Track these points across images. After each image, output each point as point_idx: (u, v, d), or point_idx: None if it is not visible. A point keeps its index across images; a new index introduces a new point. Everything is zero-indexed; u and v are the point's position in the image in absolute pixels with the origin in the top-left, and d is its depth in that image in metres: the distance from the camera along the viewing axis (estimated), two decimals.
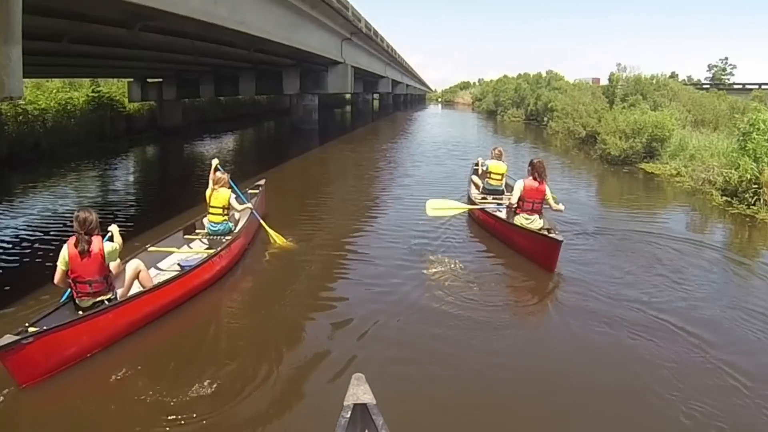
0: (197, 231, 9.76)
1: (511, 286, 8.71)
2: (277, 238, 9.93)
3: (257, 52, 24.98)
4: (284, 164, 21.85)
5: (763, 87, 65.31)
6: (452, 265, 9.22)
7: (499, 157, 13.01)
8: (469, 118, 62.12)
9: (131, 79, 33.58)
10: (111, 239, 6.76)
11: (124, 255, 7.16)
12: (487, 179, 13.07)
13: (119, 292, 6.64)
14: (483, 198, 12.78)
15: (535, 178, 9.64)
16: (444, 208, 10.95)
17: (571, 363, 6.24)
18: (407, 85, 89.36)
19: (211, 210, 9.40)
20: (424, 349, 6.41)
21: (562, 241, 8.58)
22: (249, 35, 18.27)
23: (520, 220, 9.75)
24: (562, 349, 6.56)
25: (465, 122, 55.18)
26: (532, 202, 9.67)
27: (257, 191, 12.25)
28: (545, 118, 43.52)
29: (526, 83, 56.89)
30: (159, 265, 8.55)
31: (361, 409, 3.95)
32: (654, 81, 29.07)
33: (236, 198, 9.77)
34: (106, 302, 6.34)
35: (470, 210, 11.59)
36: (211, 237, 9.40)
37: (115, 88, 34.15)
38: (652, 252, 10.04)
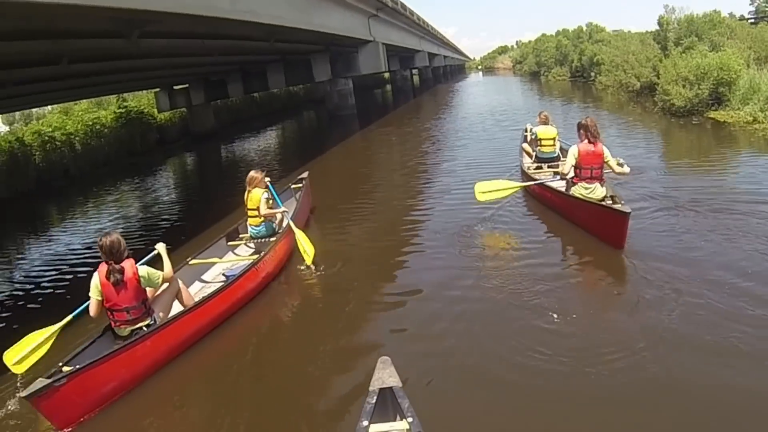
0: (240, 236, 9.33)
1: (571, 266, 7.75)
2: (307, 254, 8.50)
3: (278, 42, 23.61)
4: (324, 156, 20.64)
5: None
6: (507, 245, 8.71)
7: (546, 122, 11.92)
8: (512, 83, 60.05)
9: (158, 89, 32.82)
10: (152, 261, 6.52)
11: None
12: (538, 147, 11.97)
13: (159, 315, 6.24)
14: (537, 167, 11.82)
15: (589, 141, 8.48)
16: (495, 190, 9.84)
17: (641, 354, 5.17)
18: (445, 57, 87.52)
19: (249, 213, 8.99)
20: (467, 335, 6.00)
21: (629, 212, 7.43)
22: (261, 24, 16.78)
23: (579, 190, 8.60)
24: (630, 338, 5.46)
25: (508, 87, 53.16)
26: (590, 169, 8.50)
27: (300, 185, 11.56)
28: (592, 74, 41.47)
29: (567, 39, 54.36)
30: (204, 277, 8.19)
31: (387, 392, 3.92)
32: (708, 20, 26.56)
33: (271, 201, 9.23)
34: (144, 329, 5.93)
35: (524, 187, 10.51)
36: (255, 240, 9.02)
37: (145, 100, 33.46)
38: (739, 218, 8.40)
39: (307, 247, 8.40)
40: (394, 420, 3.86)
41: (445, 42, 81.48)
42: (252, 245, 9.06)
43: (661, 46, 27.68)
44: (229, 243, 9.08)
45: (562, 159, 11.46)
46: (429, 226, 10.18)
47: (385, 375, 4.05)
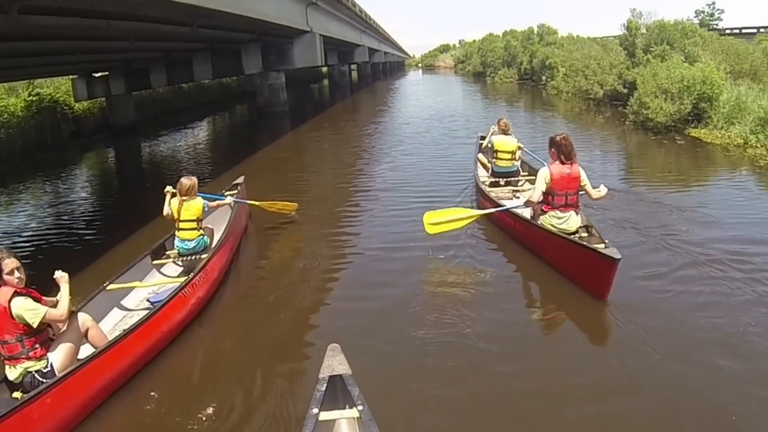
0: (167, 253, 8.13)
1: (536, 313, 6.86)
2: (282, 207, 9.07)
3: (203, 28, 20.56)
4: (252, 158, 18.07)
5: (762, 30, 59.23)
6: (460, 280, 7.45)
7: (505, 131, 10.73)
8: (455, 83, 57.65)
9: (75, 76, 29.06)
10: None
11: (77, 300, 5.86)
12: (494, 159, 10.80)
13: (58, 361, 5.06)
14: (493, 183, 10.77)
15: (563, 162, 7.35)
16: (448, 220, 8.49)
17: None
18: (385, 53, 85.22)
19: (181, 225, 7.82)
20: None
21: (619, 259, 6.22)
22: (178, 4, 14.41)
23: (549, 220, 7.49)
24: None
25: (452, 88, 50.44)
26: (565, 195, 7.38)
27: (235, 191, 10.37)
28: (543, 77, 39.51)
29: (516, 40, 52.25)
30: (124, 303, 7.11)
31: (337, 380, 3.95)
32: (680, 28, 24.23)
33: (208, 206, 8.04)
34: (36, 375, 4.90)
35: (482, 216, 9.03)
36: (185, 258, 7.89)
37: (65, 88, 29.42)
38: (750, 268, 7.05)
39: (272, 206, 9.03)
40: (344, 408, 3.86)
41: (386, 37, 79.03)
42: (181, 263, 7.96)
43: (627, 53, 25.32)
44: (155, 262, 7.93)
45: (522, 174, 10.80)
46: (368, 258, 8.65)
47: (335, 362, 4.06)
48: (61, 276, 5.41)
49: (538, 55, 41.57)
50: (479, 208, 9.58)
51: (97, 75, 29.08)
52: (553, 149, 7.46)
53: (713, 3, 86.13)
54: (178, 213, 7.76)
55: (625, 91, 23.91)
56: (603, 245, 6.65)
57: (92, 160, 22.71)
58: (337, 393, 3.93)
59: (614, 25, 51.83)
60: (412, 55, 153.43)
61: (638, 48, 24.65)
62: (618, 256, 6.20)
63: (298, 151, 19.76)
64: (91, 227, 11.99)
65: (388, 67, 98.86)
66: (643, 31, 25.45)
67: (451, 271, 7.71)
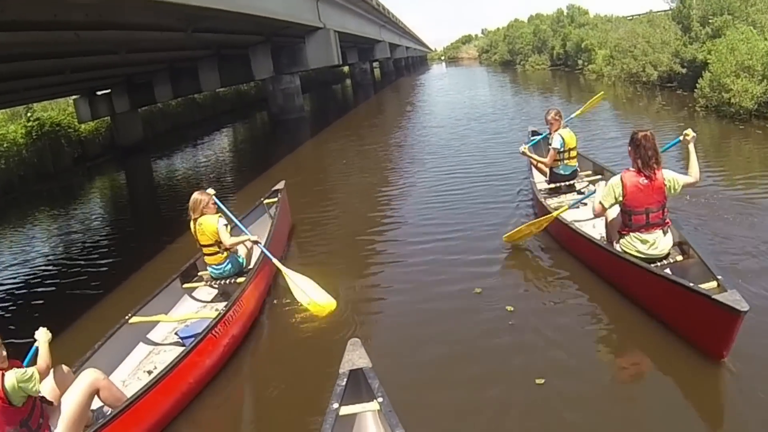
0: (199, 274, 7.27)
1: (615, 359, 5.32)
2: (317, 306, 5.96)
3: (201, 32, 18.25)
4: (268, 172, 15.90)
5: None
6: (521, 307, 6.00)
7: (556, 122, 8.92)
8: (482, 74, 54.48)
9: (77, 96, 27.14)
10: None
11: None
12: (564, 160, 8.90)
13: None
14: (553, 188, 9.16)
15: (640, 170, 5.63)
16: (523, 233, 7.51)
17: None
18: (407, 48, 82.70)
19: (204, 250, 6.95)
20: None
21: (744, 311, 4.31)
22: (162, 3, 12.52)
23: (631, 245, 5.80)
24: None
25: (481, 79, 47.25)
26: (645, 212, 5.67)
27: (275, 200, 9.52)
28: (579, 61, 36.45)
29: (545, 24, 49.21)
30: (150, 337, 6.26)
31: (357, 374, 3.96)
32: None
33: (230, 227, 6.99)
34: None
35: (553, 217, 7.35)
36: (220, 282, 6.97)
37: (71, 109, 27.50)
38: None
39: (314, 295, 5.96)
40: (365, 401, 3.84)
41: (406, 31, 76.76)
42: (215, 286, 7.20)
43: (682, 27, 22.25)
44: (185, 285, 7.12)
45: (580, 173, 9.14)
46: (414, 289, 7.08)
47: (355, 357, 4.06)
48: (43, 335, 4.49)
49: (571, 38, 38.53)
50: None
51: (99, 93, 27.20)
52: (631, 148, 5.75)
53: None
54: (195, 234, 6.96)
55: (684, 71, 20.94)
56: (715, 283, 4.88)
57: (99, 185, 20.89)
58: (358, 387, 3.90)
59: (645, 3, 48.18)
60: (433, 49, 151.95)
61: (694, 21, 21.59)
62: (744, 307, 4.36)
63: (316, 169, 16.81)
64: (109, 257, 10.88)
65: (410, 62, 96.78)
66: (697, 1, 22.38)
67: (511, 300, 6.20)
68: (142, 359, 5.97)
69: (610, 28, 37.66)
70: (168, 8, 13.14)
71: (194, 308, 7.04)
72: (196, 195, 6.93)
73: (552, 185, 9.07)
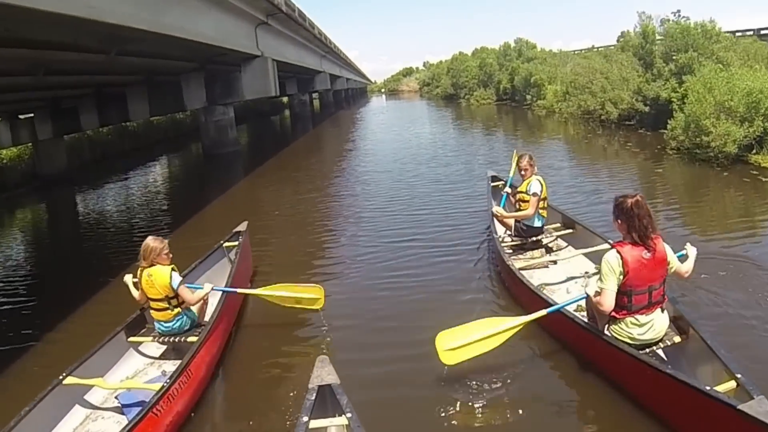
0: (147, 326, 6.51)
1: None
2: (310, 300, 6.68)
3: (123, 55, 16.19)
4: (201, 214, 14.44)
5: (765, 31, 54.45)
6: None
7: (531, 168, 8.07)
8: (425, 109, 53.14)
9: None
10: None
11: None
12: (519, 209, 8.09)
13: None
14: (519, 246, 8.12)
15: (637, 242, 4.83)
16: (472, 342, 5.42)
17: None
18: (347, 79, 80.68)
19: (152, 304, 6.17)
20: None
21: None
22: (80, 20, 10.67)
23: (625, 331, 4.97)
24: None
25: (424, 115, 45.74)
26: (648, 290, 4.83)
27: (236, 243, 8.52)
28: (528, 96, 35.45)
29: (491, 58, 48.26)
30: (88, 398, 5.52)
31: (324, 390, 4.09)
32: (703, 30, 20.00)
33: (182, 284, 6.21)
34: None
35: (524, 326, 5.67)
36: (168, 338, 6.20)
37: None
38: None
39: (299, 292, 6.74)
40: (334, 416, 3.95)
41: (347, 62, 75.03)
42: (163, 342, 6.28)
43: (643, 64, 21.12)
44: (131, 339, 6.30)
45: (545, 226, 8.20)
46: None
47: (324, 373, 4.21)
48: None
49: (519, 72, 37.70)
50: (504, 284, 7.47)
51: (22, 117, 24.48)
52: (620, 220, 4.91)
53: (678, 11, 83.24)
54: (144, 286, 6.10)
55: (647, 109, 19.76)
56: (734, 384, 4.21)
57: (19, 219, 18.20)
58: (326, 402, 4.04)
59: (591, 39, 47.85)
60: (373, 81, 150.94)
61: (656, 57, 20.47)
62: (763, 417, 3.68)
63: (248, 211, 14.60)
64: (34, 305, 9.28)
65: (350, 93, 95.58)
66: (661, 37, 21.31)
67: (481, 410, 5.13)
68: (77, 426, 5.27)
69: (559, 62, 36.98)
70: (82, 26, 11.16)
71: (140, 365, 6.29)
72: (149, 241, 6.09)
73: (517, 240, 8.12)
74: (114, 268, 8.91)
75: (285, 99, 62.40)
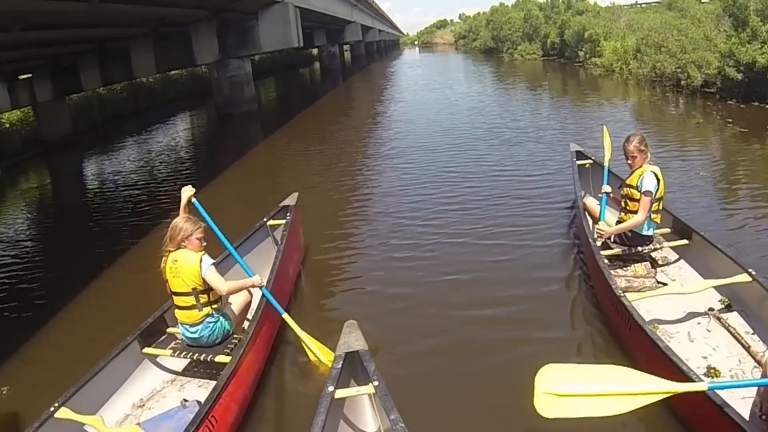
0: (168, 331, 5.39)
1: None
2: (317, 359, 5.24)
3: (110, 2, 13.54)
4: (208, 189, 11.69)
5: None
6: None
7: (642, 154, 5.98)
8: (463, 62, 49.53)
9: None
10: None
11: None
12: (626, 209, 6.14)
13: None
14: (616, 254, 6.13)
15: None
16: (588, 393, 3.62)
17: None
18: (379, 31, 77.23)
19: (175, 300, 4.97)
20: None
21: None
22: None
23: None
24: None
25: (464, 69, 42.03)
26: None
27: (283, 221, 7.19)
28: (580, 53, 31.91)
29: (538, 10, 44.46)
30: None
31: (353, 356, 3.92)
32: None
33: (224, 266, 5.86)
34: None
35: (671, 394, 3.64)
36: (196, 350, 5.00)
37: None
38: None
39: (318, 353, 5.26)
40: (360, 384, 3.83)
41: (380, 13, 71.56)
42: (188, 359, 5.08)
43: (735, 21, 17.63)
44: (146, 350, 5.13)
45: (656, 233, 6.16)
46: None
47: (351, 339, 4.03)
48: None
49: (571, 26, 33.98)
50: (597, 304, 5.82)
51: (22, 77, 21.94)
52: None
53: None
54: (166, 275, 4.89)
55: (740, 77, 16.37)
56: None
57: (19, 191, 15.98)
58: (354, 370, 3.89)
59: None
60: (405, 33, 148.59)
61: (751, 15, 16.92)
62: None
63: (268, 187, 12.32)
64: (29, 301, 7.61)
65: (382, 46, 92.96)
66: None
67: None
68: None
69: (612, 16, 33.51)
70: None
71: (158, 383, 5.09)
72: (179, 221, 4.90)
73: (615, 248, 6.18)
74: (120, 254, 8.29)
75: (315, 51, 59.26)
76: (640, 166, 5.96)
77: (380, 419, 3.77)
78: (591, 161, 8.29)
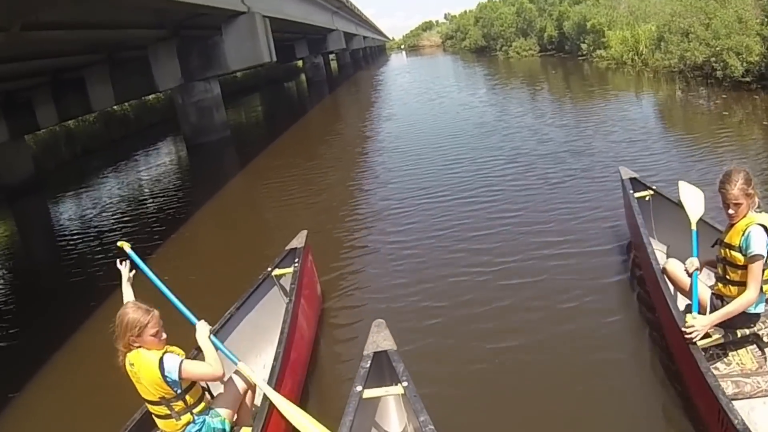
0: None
1: None
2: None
3: (34, 29, 11.81)
4: (178, 236, 10.59)
5: None
6: None
7: (749, 199, 4.12)
8: (455, 64, 47.24)
9: None
10: None
11: None
12: (724, 277, 4.33)
13: None
14: (714, 344, 4.38)
15: None
16: None
17: None
18: (364, 37, 74.67)
19: (149, 408, 4.05)
20: None
21: None
22: None
23: None
24: None
25: (457, 72, 39.37)
26: None
27: (290, 269, 5.88)
28: (583, 45, 29.59)
29: (532, 2, 42.24)
30: None
31: (381, 356, 3.87)
32: None
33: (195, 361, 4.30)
34: None
35: None
36: None
37: None
38: None
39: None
40: (389, 384, 3.76)
41: (363, 19, 69.49)
42: None
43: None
44: None
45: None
46: None
47: (380, 338, 3.97)
48: None
49: (570, 17, 31.63)
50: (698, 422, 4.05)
51: None
52: None
53: None
54: (131, 376, 3.94)
55: None
56: None
57: None
58: (382, 370, 3.81)
59: None
60: (391, 38, 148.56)
61: None
62: None
63: (252, 226, 10.60)
64: None
65: (368, 52, 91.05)
66: None
67: None
68: None
69: (612, 3, 31.18)
70: None
71: None
72: (123, 314, 3.80)
73: (715, 336, 4.27)
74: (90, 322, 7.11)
75: (300, 63, 56.81)
76: (744, 215, 4.16)
77: (409, 420, 3.68)
78: (651, 192, 6.24)
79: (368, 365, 3.71)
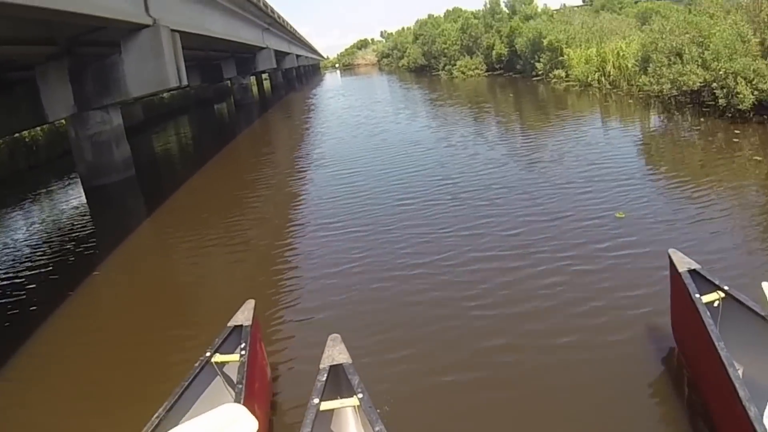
0: None
1: None
2: None
3: None
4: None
5: None
6: None
7: None
8: (394, 85, 44.35)
9: None
10: None
11: None
12: None
13: None
14: None
15: None
16: None
17: None
18: (297, 56, 71.23)
19: None
20: None
21: None
22: None
23: None
24: None
25: (398, 95, 35.91)
26: None
27: (236, 356, 4.69)
28: (537, 65, 27.29)
29: (476, 18, 39.93)
30: None
31: (337, 369, 3.91)
32: None
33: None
34: None
35: None
36: None
37: None
38: None
39: None
40: (345, 396, 3.79)
41: (296, 37, 66.45)
42: None
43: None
44: None
45: None
46: None
47: (335, 352, 4.01)
48: None
49: (523, 33, 29.12)
50: None
51: None
52: None
53: None
54: None
55: None
56: None
57: None
58: (338, 382, 3.87)
59: None
60: (326, 57, 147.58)
61: None
62: None
63: (160, 295, 7.90)
64: None
65: (302, 71, 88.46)
66: None
67: None
68: None
69: (565, 20, 29.15)
70: None
71: None
72: None
73: None
74: None
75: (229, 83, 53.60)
76: None
77: (365, 431, 3.64)
78: (722, 294, 4.34)
79: (324, 378, 3.73)
